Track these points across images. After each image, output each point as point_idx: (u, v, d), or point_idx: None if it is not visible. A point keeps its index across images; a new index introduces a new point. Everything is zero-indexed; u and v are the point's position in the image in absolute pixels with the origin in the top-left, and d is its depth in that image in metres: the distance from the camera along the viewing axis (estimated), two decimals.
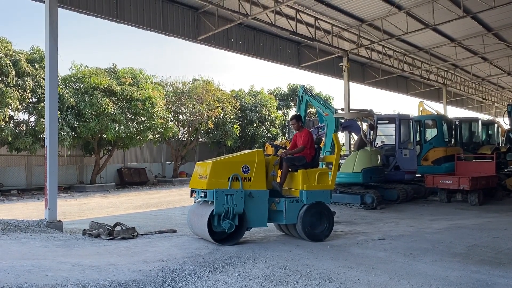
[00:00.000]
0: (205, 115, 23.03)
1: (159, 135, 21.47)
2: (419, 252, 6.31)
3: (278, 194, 7.14)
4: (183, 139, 25.08)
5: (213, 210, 6.46)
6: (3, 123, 14.92)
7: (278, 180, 7.34)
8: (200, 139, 26.01)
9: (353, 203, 11.85)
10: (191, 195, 7.21)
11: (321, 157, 8.65)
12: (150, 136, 20.58)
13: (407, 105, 59.55)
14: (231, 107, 24.97)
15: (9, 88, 14.91)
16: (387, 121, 14.16)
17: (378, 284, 4.79)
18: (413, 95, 28.40)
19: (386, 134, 14.80)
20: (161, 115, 20.27)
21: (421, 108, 23.11)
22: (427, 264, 5.64)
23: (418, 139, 15.21)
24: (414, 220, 9.64)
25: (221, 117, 24.32)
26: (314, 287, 4.69)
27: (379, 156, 12.63)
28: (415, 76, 25.40)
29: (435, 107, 25.36)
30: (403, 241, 7.18)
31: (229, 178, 6.62)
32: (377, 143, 14.07)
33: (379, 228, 8.60)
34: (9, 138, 15.38)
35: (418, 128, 15.38)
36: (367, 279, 4.98)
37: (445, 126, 15.71)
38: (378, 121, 13.81)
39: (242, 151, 7.91)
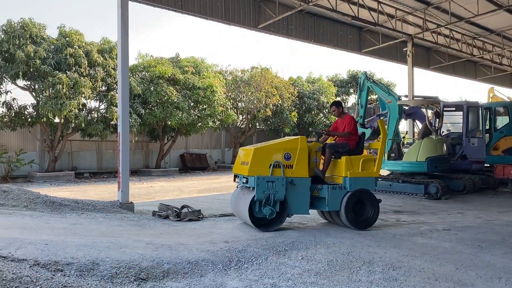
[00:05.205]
0: (263, 102, 23.26)
1: (219, 122, 22.02)
2: (488, 244, 6.11)
3: (320, 180, 7.07)
4: (242, 126, 25.51)
5: (254, 196, 6.54)
6: (77, 111, 16.01)
7: (321, 167, 7.27)
8: (258, 127, 26.31)
9: (416, 192, 11.57)
10: (234, 180, 7.32)
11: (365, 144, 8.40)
12: (211, 123, 21.16)
13: (476, 91, 56.24)
14: (289, 94, 24.99)
15: (82, 78, 15.94)
16: (454, 109, 13.60)
17: (443, 274, 4.74)
18: (482, 80, 26.79)
19: (452, 122, 14.21)
20: (221, 103, 20.76)
21: (491, 95, 21.89)
22: (497, 257, 5.46)
23: (487, 127, 14.47)
24: (482, 212, 9.26)
25: (279, 105, 24.44)
26: (377, 274, 4.72)
27: (444, 144, 12.19)
28: (485, 61, 23.96)
29: (507, 93, 23.82)
30: (470, 233, 6.96)
31: (270, 165, 6.63)
32: (442, 131, 13.55)
33: (444, 219, 8.36)
34: (83, 125, 16.49)
35: (488, 116, 14.61)
36: (431, 268, 4.93)
37: None
38: (445, 109, 13.28)
39: (285, 138, 7.85)
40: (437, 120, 13.20)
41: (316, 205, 7.10)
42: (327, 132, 7.76)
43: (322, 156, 7.33)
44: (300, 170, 6.79)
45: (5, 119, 16.18)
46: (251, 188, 6.70)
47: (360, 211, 7.11)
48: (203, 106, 20.30)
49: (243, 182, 6.88)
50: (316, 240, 6.10)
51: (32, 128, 17.42)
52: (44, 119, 16.08)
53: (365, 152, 9.83)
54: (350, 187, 6.99)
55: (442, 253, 5.61)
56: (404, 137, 16.38)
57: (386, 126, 12.71)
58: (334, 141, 7.67)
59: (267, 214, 6.57)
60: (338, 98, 30.36)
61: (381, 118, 13.81)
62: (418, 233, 6.90)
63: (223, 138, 25.93)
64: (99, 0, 70.45)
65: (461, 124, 13.14)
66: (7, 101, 16.16)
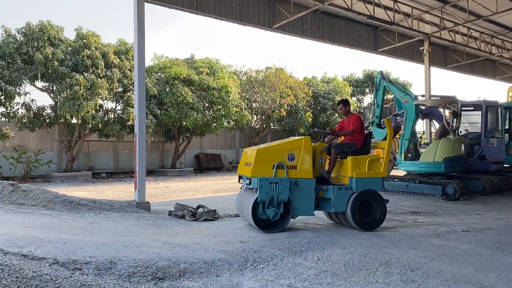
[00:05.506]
0: (278, 102, 23.23)
1: (233, 122, 22.08)
2: (508, 246, 5.98)
3: (326, 181, 6.95)
4: (256, 126, 25.52)
5: (257, 197, 6.43)
6: (94, 112, 16.22)
7: (327, 167, 7.16)
8: (273, 127, 26.28)
9: (433, 193, 11.40)
10: (239, 181, 7.24)
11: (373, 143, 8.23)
12: (225, 124, 21.23)
13: (495, 90, 55.22)
14: (304, 94, 24.90)
15: (99, 79, 16.15)
16: (472, 108, 13.37)
17: (462, 276, 4.66)
18: (501, 79, 26.34)
19: (471, 122, 13.98)
20: (235, 103, 20.82)
21: (510, 94, 21.41)
22: None
23: (507, 127, 14.20)
24: (502, 213, 9.08)
25: (293, 105, 24.38)
26: (395, 276, 4.66)
27: (462, 145, 12.00)
28: (505, 59, 23.54)
29: None
30: (489, 234, 6.83)
31: (274, 166, 6.50)
32: (460, 132, 13.35)
33: (462, 220, 8.23)
34: (100, 125, 16.69)
35: (508, 115, 14.33)
36: (450, 270, 4.85)
37: None
38: (462, 108, 13.07)
39: (290, 138, 7.79)
40: (455, 120, 13.00)
41: (322, 206, 6.98)
42: (332, 132, 7.69)
43: (328, 156, 7.22)
44: (304, 171, 6.66)
45: (24, 120, 16.49)
46: (254, 190, 6.61)
47: (366, 212, 6.98)
48: (217, 106, 20.38)
49: (246, 184, 6.79)
50: (332, 241, 6.06)
51: (50, 129, 17.71)
52: (62, 120, 16.34)
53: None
54: (356, 188, 6.86)
55: (461, 255, 5.52)
56: (421, 137, 16.17)
57: (402, 126, 12.64)
58: (338, 142, 7.57)
59: (270, 216, 6.47)
60: (354, 98, 30.17)
61: (398, 118, 13.70)
62: (436, 234, 6.80)
63: (237, 138, 25.98)
64: (115, 2, 71.30)
65: (480, 124, 12.92)
66: (26, 102, 16.48)
